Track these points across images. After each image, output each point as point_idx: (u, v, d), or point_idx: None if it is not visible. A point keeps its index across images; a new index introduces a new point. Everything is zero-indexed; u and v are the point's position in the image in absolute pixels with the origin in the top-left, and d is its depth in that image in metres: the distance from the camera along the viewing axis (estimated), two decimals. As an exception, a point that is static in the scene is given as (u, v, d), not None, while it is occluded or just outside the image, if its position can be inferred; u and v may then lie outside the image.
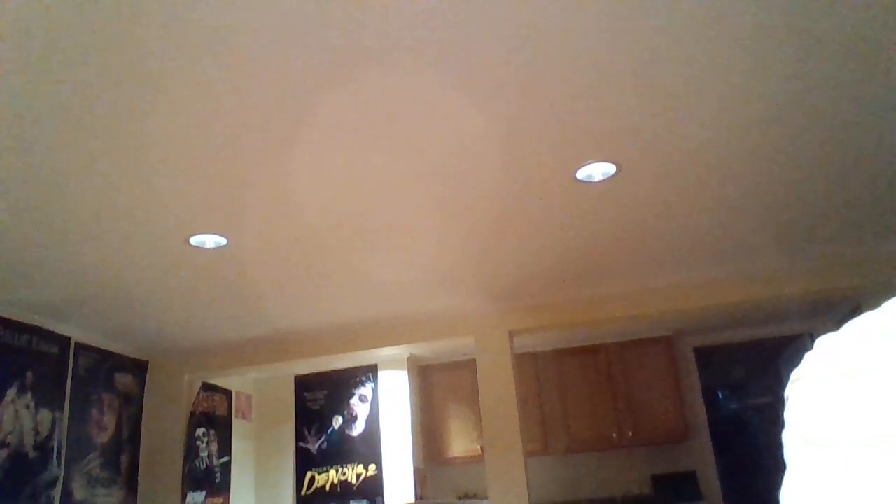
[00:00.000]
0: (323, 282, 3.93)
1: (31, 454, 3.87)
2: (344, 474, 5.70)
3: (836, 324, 5.63)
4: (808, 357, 0.49)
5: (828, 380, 0.46)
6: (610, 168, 2.82)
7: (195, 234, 3.13)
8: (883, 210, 3.54)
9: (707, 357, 6.24)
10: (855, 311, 5.33)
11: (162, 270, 3.52)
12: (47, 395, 4.04)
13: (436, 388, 6.07)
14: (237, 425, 5.84)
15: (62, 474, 4.10)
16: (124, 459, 4.72)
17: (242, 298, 4.08)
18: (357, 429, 5.78)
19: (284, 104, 2.19)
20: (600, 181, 2.93)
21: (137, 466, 4.84)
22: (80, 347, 4.39)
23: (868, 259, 4.37)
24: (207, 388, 5.43)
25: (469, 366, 5.64)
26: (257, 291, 3.98)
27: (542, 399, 5.96)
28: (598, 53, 2.07)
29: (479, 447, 5.69)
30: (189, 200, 2.80)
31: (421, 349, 5.59)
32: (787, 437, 0.48)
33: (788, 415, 0.49)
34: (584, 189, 3.00)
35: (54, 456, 4.05)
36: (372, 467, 5.64)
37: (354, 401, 5.86)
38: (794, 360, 6.37)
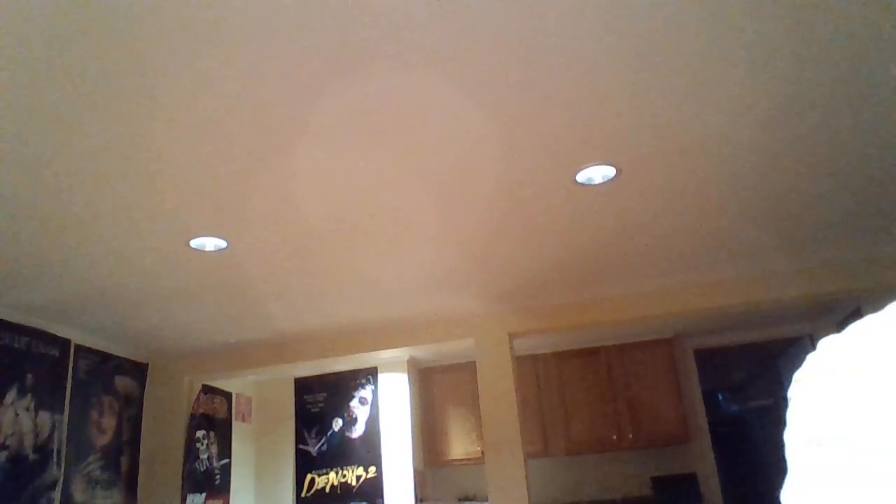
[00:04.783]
0: (323, 284, 3.93)
1: (31, 456, 3.87)
2: (344, 476, 5.70)
3: (837, 326, 5.63)
4: (811, 357, 0.50)
5: (828, 379, 0.46)
6: (610, 171, 2.82)
7: (195, 237, 3.13)
8: (883, 212, 3.54)
9: (707, 359, 6.24)
10: (855, 313, 5.33)
11: (162, 273, 3.52)
12: (47, 397, 4.04)
13: (436, 391, 6.07)
14: (237, 427, 5.84)
15: (62, 476, 4.09)
16: (124, 461, 4.72)
17: (242, 301, 4.08)
18: (357, 431, 5.78)
19: (285, 105, 2.20)
20: (600, 184, 2.93)
21: (137, 468, 4.84)
22: (81, 350, 4.39)
23: (868, 261, 4.37)
24: (207, 390, 5.43)
25: (469, 368, 5.64)
26: (257, 294, 3.98)
27: (543, 401, 5.96)
28: (598, 56, 2.07)
29: (479, 449, 5.69)
30: (189, 203, 2.80)
31: (421, 351, 5.59)
32: (788, 436, 0.48)
33: (790, 414, 0.49)
34: (584, 192, 3.00)
35: (54, 458, 4.04)
36: (372, 469, 5.64)
37: (354, 403, 5.86)
38: (795, 363, 6.37)
